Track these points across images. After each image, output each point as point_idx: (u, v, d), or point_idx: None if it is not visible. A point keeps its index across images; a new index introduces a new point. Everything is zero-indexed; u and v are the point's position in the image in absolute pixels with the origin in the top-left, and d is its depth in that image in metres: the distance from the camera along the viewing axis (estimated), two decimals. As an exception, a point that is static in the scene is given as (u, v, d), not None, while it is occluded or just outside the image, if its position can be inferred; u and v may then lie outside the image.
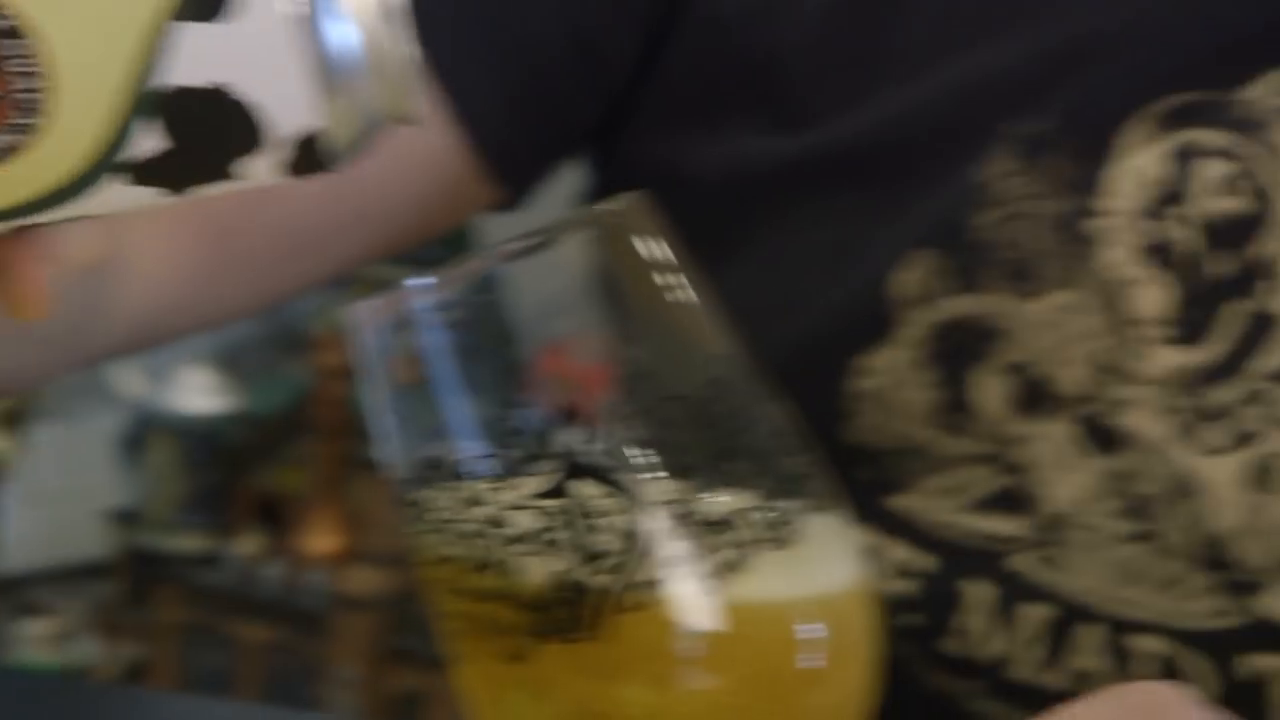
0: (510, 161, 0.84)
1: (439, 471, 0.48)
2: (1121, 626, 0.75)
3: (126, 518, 3.03)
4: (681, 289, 0.50)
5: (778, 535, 0.47)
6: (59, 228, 0.46)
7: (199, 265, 0.79)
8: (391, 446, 0.50)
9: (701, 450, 0.47)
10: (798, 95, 0.78)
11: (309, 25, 0.42)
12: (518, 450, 0.47)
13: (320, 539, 2.75)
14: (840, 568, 0.49)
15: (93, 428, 3.29)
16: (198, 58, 0.42)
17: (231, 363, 3.37)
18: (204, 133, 0.43)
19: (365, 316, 0.49)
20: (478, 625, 0.48)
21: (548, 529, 0.46)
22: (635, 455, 0.47)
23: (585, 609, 0.46)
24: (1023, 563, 0.75)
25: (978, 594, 0.76)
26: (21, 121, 0.42)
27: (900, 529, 0.77)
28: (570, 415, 0.47)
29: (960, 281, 0.74)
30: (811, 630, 0.48)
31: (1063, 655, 0.75)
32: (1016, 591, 0.76)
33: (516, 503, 0.47)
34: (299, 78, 0.42)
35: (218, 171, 0.44)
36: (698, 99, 0.81)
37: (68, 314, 0.68)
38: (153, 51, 0.42)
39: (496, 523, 0.47)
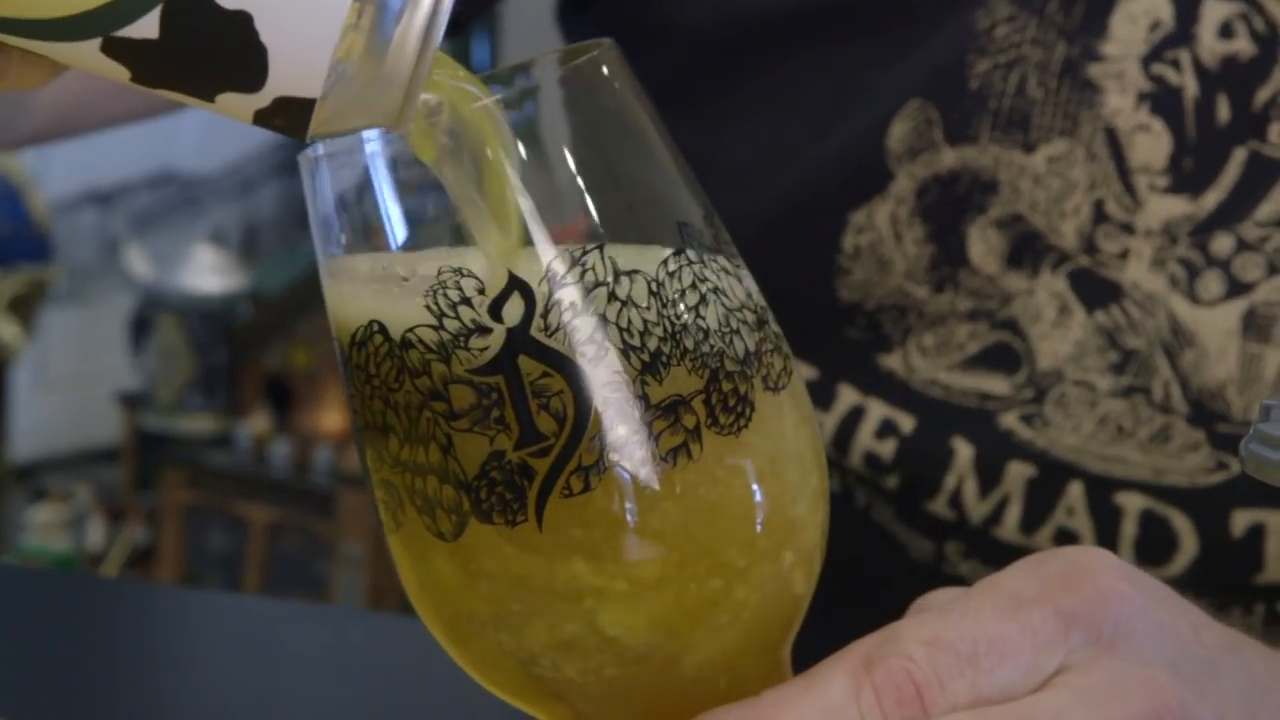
0: None
1: (383, 336, 0.44)
2: (1108, 485, 0.73)
3: (134, 401, 3.03)
4: (652, 144, 0.46)
5: (728, 419, 0.44)
6: None
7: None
8: (338, 305, 0.46)
9: (656, 329, 0.44)
10: None
11: (368, 10, 0.40)
12: (464, 320, 0.43)
13: (329, 417, 2.74)
14: (790, 449, 0.46)
15: (105, 311, 3.29)
16: None
17: (244, 242, 3.36)
18: (206, 48, 0.41)
19: (321, 162, 0.46)
20: (414, 498, 0.45)
21: (490, 406, 0.43)
22: (585, 332, 0.43)
23: (526, 492, 0.43)
24: (1010, 420, 0.73)
25: (963, 453, 0.74)
26: None
27: (887, 388, 0.75)
28: (520, 286, 0.43)
29: (957, 132, 0.73)
30: (759, 518, 0.45)
31: (1047, 515, 0.74)
32: (1002, 450, 0.74)
33: (459, 377, 0.43)
34: (323, 47, 0.40)
35: (202, 91, 0.42)
36: None
37: None
38: None
39: (437, 395, 0.43)
